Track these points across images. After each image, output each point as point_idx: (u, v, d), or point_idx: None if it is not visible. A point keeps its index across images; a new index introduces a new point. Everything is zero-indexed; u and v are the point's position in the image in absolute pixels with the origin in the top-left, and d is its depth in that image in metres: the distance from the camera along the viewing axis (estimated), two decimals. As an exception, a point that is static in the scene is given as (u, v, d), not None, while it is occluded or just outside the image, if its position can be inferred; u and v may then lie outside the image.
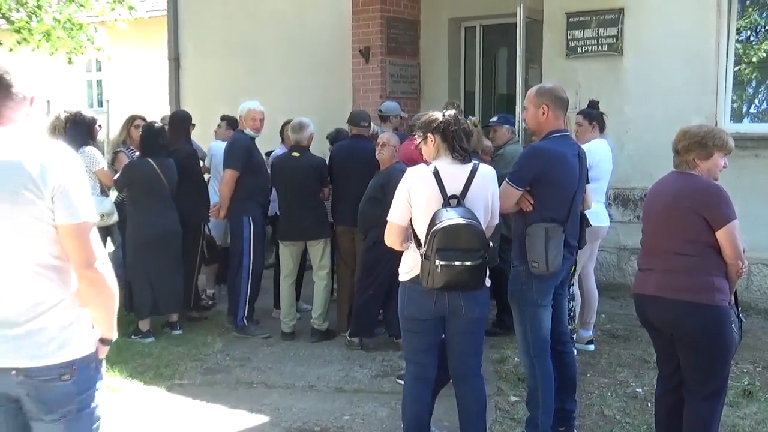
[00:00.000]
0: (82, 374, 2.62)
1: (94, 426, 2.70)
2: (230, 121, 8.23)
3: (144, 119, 7.55)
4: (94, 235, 2.59)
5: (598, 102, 6.45)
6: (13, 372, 2.52)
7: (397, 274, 4.25)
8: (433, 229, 3.85)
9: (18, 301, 2.52)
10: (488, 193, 4.11)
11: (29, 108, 2.64)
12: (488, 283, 4.15)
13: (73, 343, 2.59)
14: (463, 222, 3.84)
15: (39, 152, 2.49)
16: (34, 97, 2.66)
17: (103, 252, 2.63)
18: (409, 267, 4.10)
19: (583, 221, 4.66)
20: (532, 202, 4.34)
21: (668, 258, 3.94)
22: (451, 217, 3.85)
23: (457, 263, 3.84)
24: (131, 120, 7.65)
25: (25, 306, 2.52)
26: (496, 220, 4.26)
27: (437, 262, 3.84)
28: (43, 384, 2.55)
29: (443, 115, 4.08)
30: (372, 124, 7.32)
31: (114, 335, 2.72)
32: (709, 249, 3.85)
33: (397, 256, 4.25)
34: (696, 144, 3.96)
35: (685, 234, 3.88)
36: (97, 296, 2.60)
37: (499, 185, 4.27)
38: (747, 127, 7.75)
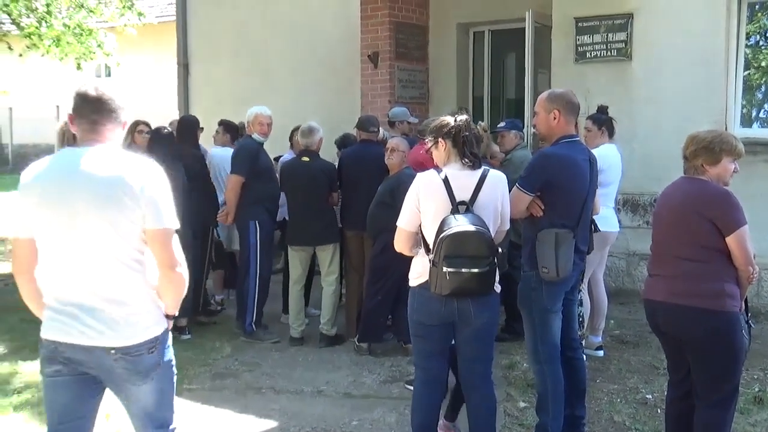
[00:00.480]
0: (163, 345, 3.19)
1: (174, 376, 3.32)
2: (227, 126, 8.23)
3: (148, 124, 7.56)
4: (176, 241, 3.14)
5: (607, 107, 6.44)
6: (113, 351, 3.05)
7: (406, 279, 4.25)
8: (441, 235, 3.85)
9: (113, 288, 3.06)
10: (498, 199, 4.09)
11: (121, 130, 3.18)
12: (498, 288, 4.14)
13: (156, 322, 3.17)
14: (472, 229, 3.84)
15: (137, 168, 3.05)
16: (127, 122, 3.19)
17: (182, 255, 3.16)
18: (419, 272, 4.10)
19: (591, 226, 4.65)
20: (543, 207, 4.33)
21: (678, 264, 3.93)
22: (460, 224, 3.85)
23: (464, 270, 3.84)
24: (134, 125, 7.54)
25: (119, 293, 3.06)
26: (507, 226, 4.25)
27: (445, 268, 3.84)
28: (137, 358, 3.09)
29: (455, 120, 4.07)
30: (381, 129, 7.32)
31: (176, 312, 3.29)
32: (719, 255, 3.84)
33: (406, 261, 4.25)
34: (703, 149, 3.95)
35: (695, 239, 3.87)
36: (174, 291, 3.19)
37: (508, 191, 4.27)
38: (756, 132, 7.73)
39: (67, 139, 6.96)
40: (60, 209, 3.00)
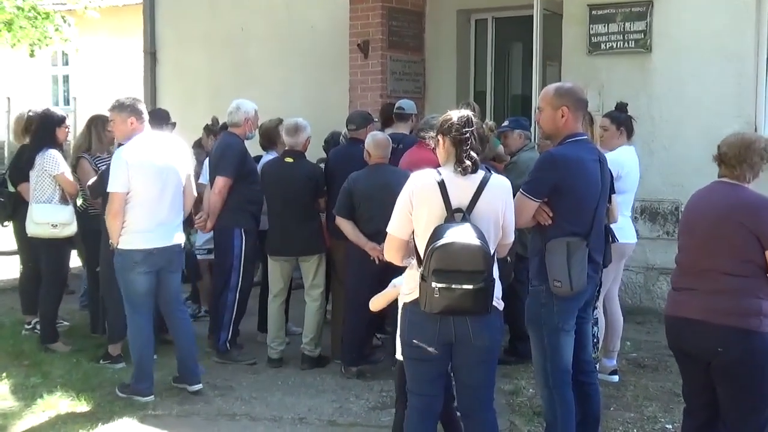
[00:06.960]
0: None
1: None
2: (210, 130, 8.38)
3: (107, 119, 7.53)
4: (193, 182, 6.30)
5: (626, 104, 6.44)
6: (179, 245, 6.00)
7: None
8: (432, 246, 3.80)
9: (178, 213, 5.99)
10: (499, 209, 4.06)
11: (134, 124, 5.91)
12: (501, 305, 4.12)
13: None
14: (466, 240, 3.79)
15: (184, 148, 6.26)
16: (134, 120, 5.88)
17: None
18: (411, 287, 4.04)
19: (608, 235, 4.65)
20: (551, 214, 4.34)
21: (715, 278, 3.93)
22: (453, 234, 3.80)
23: (455, 286, 3.78)
24: (93, 121, 7.36)
25: (179, 216, 6.05)
26: (510, 239, 4.23)
27: (434, 284, 3.79)
28: (179, 253, 6.07)
29: (457, 116, 4.07)
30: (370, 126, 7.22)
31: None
32: (758, 269, 3.86)
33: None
34: (753, 153, 3.96)
35: (735, 252, 3.87)
36: (188, 207, 6.34)
37: (513, 197, 4.25)
38: (789, 133, 7.77)
39: (23, 133, 7.10)
40: (157, 171, 5.78)
